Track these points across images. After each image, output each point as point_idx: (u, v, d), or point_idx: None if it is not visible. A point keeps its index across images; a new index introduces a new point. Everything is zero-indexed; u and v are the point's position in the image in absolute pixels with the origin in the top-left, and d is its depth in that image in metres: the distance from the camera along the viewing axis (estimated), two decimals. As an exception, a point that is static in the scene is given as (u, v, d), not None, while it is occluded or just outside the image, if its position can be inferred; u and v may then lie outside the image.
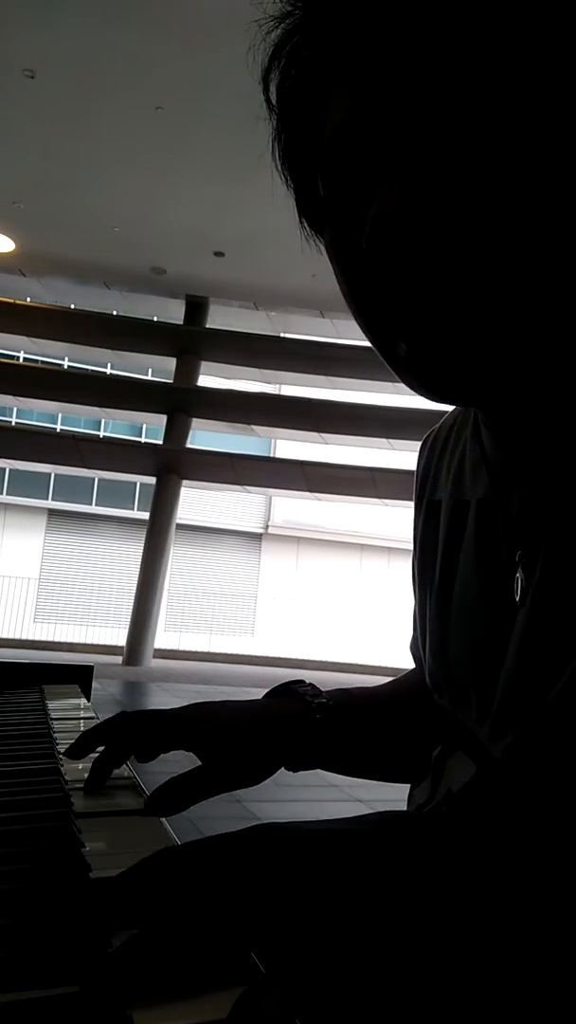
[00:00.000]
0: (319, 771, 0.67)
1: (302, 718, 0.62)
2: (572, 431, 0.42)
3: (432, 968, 0.29)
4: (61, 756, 0.66)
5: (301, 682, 0.67)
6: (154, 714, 0.61)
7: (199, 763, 0.59)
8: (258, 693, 0.68)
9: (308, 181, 0.44)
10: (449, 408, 0.63)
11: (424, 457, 0.64)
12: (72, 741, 0.66)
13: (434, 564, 0.58)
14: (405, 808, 0.61)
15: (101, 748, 0.61)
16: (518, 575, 0.46)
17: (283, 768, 0.63)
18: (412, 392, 0.42)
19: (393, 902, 0.30)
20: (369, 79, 0.38)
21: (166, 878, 0.32)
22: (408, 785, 0.67)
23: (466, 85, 0.36)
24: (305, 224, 0.47)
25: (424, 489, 0.62)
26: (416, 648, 0.70)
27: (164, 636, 13.48)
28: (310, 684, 0.67)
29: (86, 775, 0.60)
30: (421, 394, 0.41)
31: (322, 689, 0.67)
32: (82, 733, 0.62)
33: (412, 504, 0.65)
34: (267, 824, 0.34)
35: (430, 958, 0.29)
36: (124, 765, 0.63)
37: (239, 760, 0.60)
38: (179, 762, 0.62)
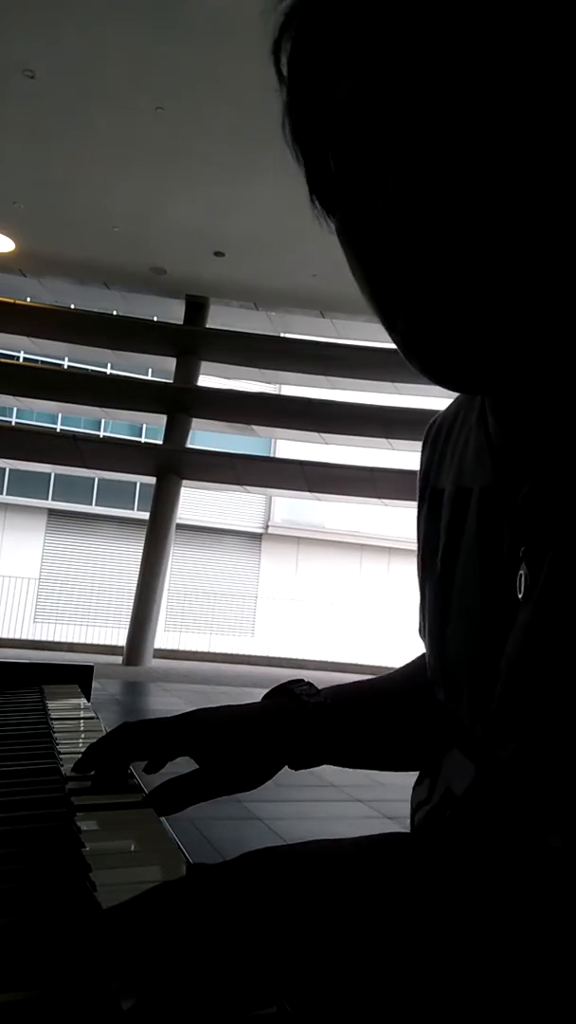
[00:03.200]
0: (318, 771, 0.68)
1: (299, 717, 0.63)
2: None
3: (443, 990, 0.29)
4: (61, 756, 0.66)
5: (300, 682, 0.68)
6: (154, 723, 0.62)
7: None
8: (258, 693, 0.69)
9: (319, 158, 0.44)
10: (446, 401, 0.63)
11: (428, 447, 0.63)
12: (72, 742, 0.66)
13: (435, 554, 0.56)
14: (408, 803, 0.61)
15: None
16: (522, 571, 0.44)
17: (287, 767, 0.64)
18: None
19: (398, 926, 0.30)
20: (376, 57, 0.38)
21: (167, 922, 0.31)
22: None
23: (467, 72, 0.36)
24: (316, 202, 0.46)
25: (427, 479, 0.61)
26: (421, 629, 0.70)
27: (164, 636, 13.47)
28: (308, 683, 0.67)
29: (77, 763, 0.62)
30: (425, 375, 0.42)
31: (319, 688, 0.67)
32: (88, 748, 0.62)
33: (413, 504, 0.65)
34: (261, 852, 0.33)
35: (441, 980, 0.29)
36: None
37: (237, 764, 0.61)
38: (187, 764, 0.62)
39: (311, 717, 0.63)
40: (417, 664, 0.70)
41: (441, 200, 0.37)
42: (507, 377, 0.42)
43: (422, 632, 0.61)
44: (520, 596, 0.44)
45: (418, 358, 0.41)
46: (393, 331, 0.42)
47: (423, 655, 0.69)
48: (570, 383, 0.41)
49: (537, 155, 0.36)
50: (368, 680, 0.72)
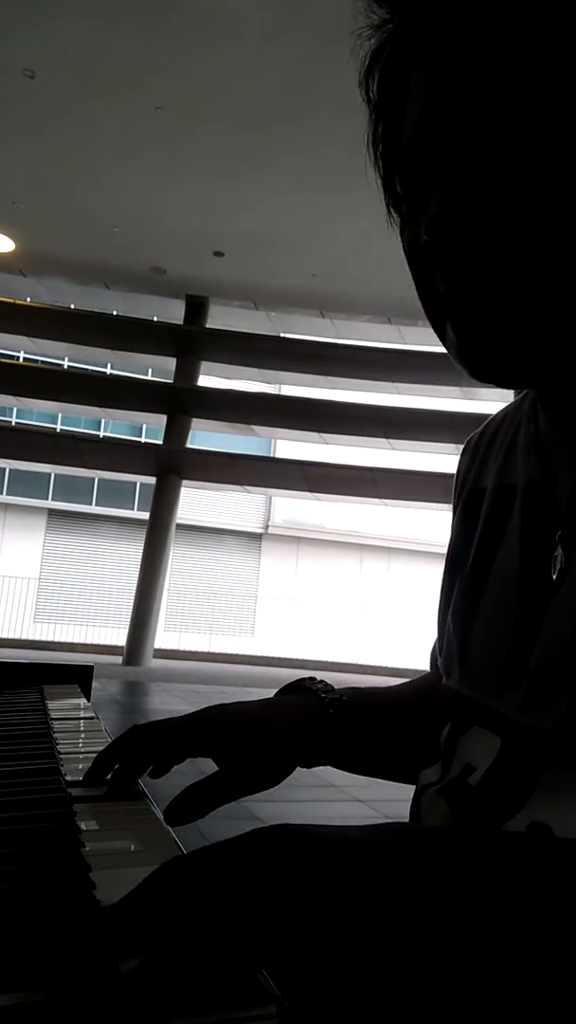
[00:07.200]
0: (319, 771, 0.67)
1: (316, 715, 0.62)
2: None
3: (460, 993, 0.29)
4: (61, 756, 0.66)
5: (312, 679, 0.67)
6: (167, 724, 0.60)
7: (207, 772, 0.58)
8: (258, 693, 0.68)
9: (391, 176, 0.50)
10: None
11: (468, 455, 0.65)
12: (72, 742, 0.66)
13: (469, 547, 0.59)
14: (406, 804, 0.61)
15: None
16: (557, 553, 0.47)
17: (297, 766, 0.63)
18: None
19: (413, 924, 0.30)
20: (438, 93, 0.44)
21: (173, 898, 0.31)
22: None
23: (510, 108, 0.41)
24: (391, 212, 0.52)
25: (466, 483, 0.64)
26: (435, 650, 0.70)
27: (164, 636, 13.47)
28: (321, 681, 0.67)
29: (87, 773, 0.59)
30: (471, 375, 0.46)
31: (334, 687, 0.67)
32: (97, 756, 0.60)
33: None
34: (277, 829, 0.33)
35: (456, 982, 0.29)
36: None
37: (257, 762, 0.59)
38: (186, 774, 0.62)
39: (326, 714, 0.62)
40: (424, 681, 0.71)
41: (478, 214, 0.42)
42: (552, 370, 0.46)
43: (440, 626, 0.63)
44: (554, 577, 0.47)
45: (466, 362, 0.46)
46: (444, 339, 0.47)
47: (427, 674, 0.71)
48: None
49: (557, 176, 0.41)
50: (382, 687, 0.71)
